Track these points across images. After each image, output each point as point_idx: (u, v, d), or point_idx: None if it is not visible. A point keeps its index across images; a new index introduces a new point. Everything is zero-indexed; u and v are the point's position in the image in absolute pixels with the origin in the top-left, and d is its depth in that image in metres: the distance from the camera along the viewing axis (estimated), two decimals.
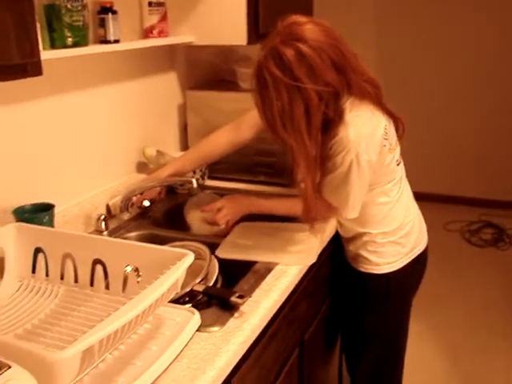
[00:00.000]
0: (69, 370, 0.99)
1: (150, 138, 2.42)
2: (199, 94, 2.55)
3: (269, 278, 1.65)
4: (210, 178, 2.49)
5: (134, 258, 1.38)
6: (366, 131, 1.68)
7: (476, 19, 4.88)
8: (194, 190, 1.99)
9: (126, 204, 2.02)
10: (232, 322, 1.42)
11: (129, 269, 1.37)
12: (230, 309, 1.46)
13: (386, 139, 1.73)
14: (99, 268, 1.42)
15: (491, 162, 5.19)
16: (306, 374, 1.97)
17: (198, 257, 1.61)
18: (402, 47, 5.16)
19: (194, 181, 1.98)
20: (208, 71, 2.79)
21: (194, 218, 2.09)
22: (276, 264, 1.73)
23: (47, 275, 1.50)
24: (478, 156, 5.22)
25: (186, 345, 1.29)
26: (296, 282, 1.71)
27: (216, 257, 1.75)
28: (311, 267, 1.82)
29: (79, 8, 1.77)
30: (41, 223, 1.65)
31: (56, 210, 1.75)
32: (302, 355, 1.92)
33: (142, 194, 2.07)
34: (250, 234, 1.95)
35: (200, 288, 1.52)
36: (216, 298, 1.51)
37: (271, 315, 1.54)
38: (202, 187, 2.04)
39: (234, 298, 1.46)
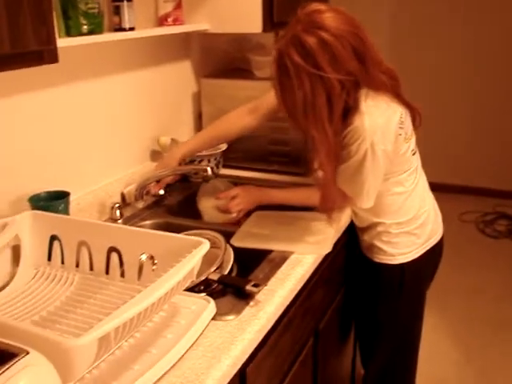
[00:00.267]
0: (85, 356, 0.99)
1: (165, 127, 2.41)
2: (214, 82, 2.55)
3: (284, 267, 1.64)
4: (225, 166, 2.49)
5: (149, 246, 1.38)
6: (381, 120, 1.66)
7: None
8: (208, 178, 1.99)
9: (141, 192, 2.02)
10: (247, 311, 1.41)
11: (144, 257, 1.37)
12: (245, 297, 1.46)
13: (401, 128, 1.71)
14: (114, 256, 1.42)
15: (507, 152, 5.14)
16: (320, 364, 1.96)
17: (213, 245, 1.60)
18: (415, 34, 5.13)
19: (208, 169, 1.97)
20: (222, 59, 2.78)
21: (206, 205, 2.08)
22: (291, 253, 1.72)
23: (63, 263, 1.50)
24: (494, 146, 5.18)
25: (202, 333, 1.29)
26: (311, 271, 1.71)
27: (231, 245, 1.75)
28: (326, 256, 1.81)
29: None
30: (56, 211, 1.65)
31: (71, 198, 1.75)
32: (317, 345, 1.92)
33: (158, 181, 2.07)
34: (265, 222, 1.94)
35: (215, 276, 1.51)
36: (231, 287, 1.51)
37: (287, 304, 1.54)
38: (216, 175, 2.03)
39: (249, 287, 1.45)
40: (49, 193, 1.74)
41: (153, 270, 1.36)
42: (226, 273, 1.59)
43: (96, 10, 1.78)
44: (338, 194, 1.77)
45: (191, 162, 2.15)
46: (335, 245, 1.85)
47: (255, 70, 2.57)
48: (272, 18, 2.31)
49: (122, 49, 2.09)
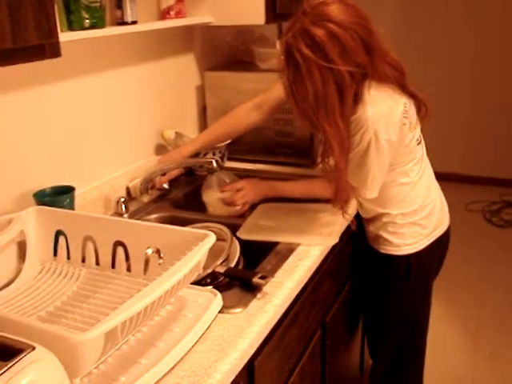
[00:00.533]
0: (92, 351, 0.99)
1: (169, 120, 2.41)
2: (217, 75, 2.54)
3: (291, 259, 1.63)
4: (230, 159, 2.48)
5: (155, 239, 1.38)
6: (384, 109, 1.65)
7: None
8: (213, 171, 1.98)
9: (147, 186, 2.01)
10: (255, 303, 1.41)
11: (150, 251, 1.36)
12: (252, 290, 1.45)
13: (405, 117, 1.70)
14: (120, 250, 1.42)
15: None
16: (328, 355, 1.96)
17: (220, 238, 1.59)
18: (423, 23, 5.10)
19: (213, 162, 1.96)
20: (226, 52, 2.77)
21: (211, 198, 2.08)
22: (298, 245, 1.71)
23: (68, 258, 1.50)
24: (500, 135, 5.15)
25: (209, 326, 1.29)
26: (318, 262, 1.70)
27: (237, 238, 1.74)
28: (333, 248, 1.80)
29: None
30: (61, 206, 1.65)
31: (76, 193, 1.75)
32: (324, 336, 1.92)
33: (164, 175, 2.06)
34: (271, 214, 1.94)
35: (221, 269, 1.51)
36: (238, 280, 1.50)
37: (294, 296, 1.53)
38: (221, 168, 2.03)
39: (256, 279, 1.45)
40: (54, 188, 1.74)
41: (159, 263, 1.36)
42: (232, 265, 1.58)
43: (98, 4, 1.77)
44: (350, 186, 1.76)
45: (196, 155, 2.15)
46: (342, 236, 1.84)
47: (259, 62, 2.56)
48: (275, 9, 2.29)
49: (124, 43, 2.08)
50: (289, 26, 1.60)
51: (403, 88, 1.72)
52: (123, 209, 1.94)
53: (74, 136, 1.91)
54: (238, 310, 1.38)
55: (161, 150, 2.36)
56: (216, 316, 1.32)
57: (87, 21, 1.75)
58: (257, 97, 2.08)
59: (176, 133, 2.31)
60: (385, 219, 1.90)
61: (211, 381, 1.14)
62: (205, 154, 2.28)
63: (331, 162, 1.70)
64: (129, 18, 1.94)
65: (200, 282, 1.45)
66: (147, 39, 2.21)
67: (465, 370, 2.95)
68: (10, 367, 0.86)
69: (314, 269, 1.67)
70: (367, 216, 1.98)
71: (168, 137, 2.30)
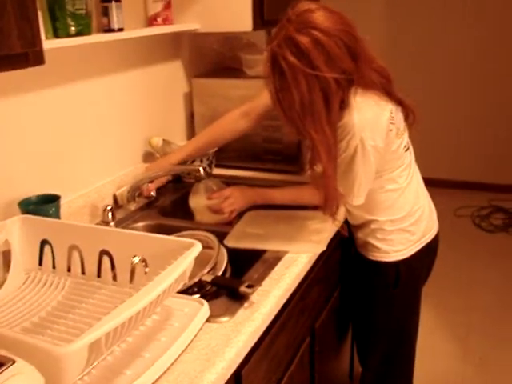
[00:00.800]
0: (76, 363, 0.98)
1: (156, 128, 2.40)
2: (205, 82, 2.53)
3: (278, 267, 1.62)
4: (218, 166, 2.47)
5: (141, 248, 1.37)
6: (370, 116, 1.65)
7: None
8: (201, 178, 1.98)
9: (134, 194, 2.00)
10: (242, 312, 1.40)
11: (136, 260, 1.36)
12: (239, 299, 1.44)
13: (392, 123, 1.70)
14: (106, 259, 1.41)
15: (501, 146, 5.14)
16: (317, 363, 1.95)
17: (207, 246, 1.59)
18: (411, 30, 5.12)
19: (201, 169, 1.96)
20: (213, 59, 2.77)
21: (199, 205, 2.07)
22: (286, 252, 1.71)
23: (54, 267, 1.49)
24: (488, 141, 5.17)
25: (196, 336, 1.28)
26: (306, 270, 1.69)
27: (225, 246, 1.73)
28: (322, 255, 1.79)
29: None
30: (47, 215, 1.64)
31: (62, 201, 1.74)
32: (313, 344, 1.91)
33: (151, 182, 2.05)
34: (259, 222, 1.93)
35: (208, 278, 1.50)
36: (225, 288, 1.49)
37: (281, 304, 1.52)
38: (209, 176, 2.02)
39: (243, 288, 1.43)
40: (39, 196, 1.72)
41: (145, 272, 1.35)
42: (219, 274, 1.57)
43: (84, 11, 1.76)
44: (339, 193, 1.76)
45: (184, 162, 2.14)
46: (330, 243, 1.84)
47: (246, 69, 2.55)
48: (262, 16, 2.29)
49: (111, 50, 2.07)
50: (274, 33, 1.60)
51: (390, 94, 1.72)
52: (110, 217, 1.92)
53: (60, 143, 1.89)
54: (225, 318, 1.37)
55: (148, 157, 2.35)
56: (203, 325, 1.31)
57: (73, 28, 1.74)
58: (244, 104, 2.08)
59: (163, 140, 2.30)
60: (373, 226, 1.90)
61: None
62: (192, 161, 2.27)
63: (319, 168, 1.69)
64: (115, 25, 1.93)
65: (187, 291, 1.44)
66: (135, 46, 2.20)
67: (454, 376, 2.94)
68: None
69: (301, 276, 1.66)
70: (356, 223, 1.97)
71: (155, 144, 2.29)
